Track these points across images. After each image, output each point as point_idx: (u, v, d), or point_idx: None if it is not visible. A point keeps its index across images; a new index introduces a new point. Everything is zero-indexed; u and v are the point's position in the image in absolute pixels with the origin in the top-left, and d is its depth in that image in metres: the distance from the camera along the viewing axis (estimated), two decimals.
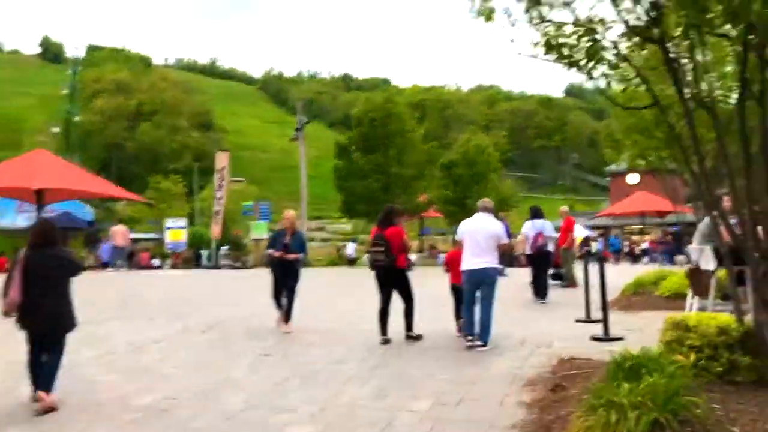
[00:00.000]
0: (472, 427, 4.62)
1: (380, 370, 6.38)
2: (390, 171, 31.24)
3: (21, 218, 27.22)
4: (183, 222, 33.79)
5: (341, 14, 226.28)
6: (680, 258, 28.95)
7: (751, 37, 4.15)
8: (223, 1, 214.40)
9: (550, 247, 12.31)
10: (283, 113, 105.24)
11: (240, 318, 9.93)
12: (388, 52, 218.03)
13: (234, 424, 4.84)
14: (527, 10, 5.00)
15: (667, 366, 4.18)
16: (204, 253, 32.38)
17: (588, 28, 4.83)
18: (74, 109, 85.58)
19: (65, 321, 5.49)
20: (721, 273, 7.93)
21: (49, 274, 5.41)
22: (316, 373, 6.27)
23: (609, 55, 4.83)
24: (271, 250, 9.01)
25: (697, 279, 7.53)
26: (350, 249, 33.74)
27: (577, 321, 8.84)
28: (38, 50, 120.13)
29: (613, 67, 4.85)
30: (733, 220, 5.04)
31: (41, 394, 5.16)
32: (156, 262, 30.62)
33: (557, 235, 13.67)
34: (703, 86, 4.96)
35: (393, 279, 7.87)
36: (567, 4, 4.94)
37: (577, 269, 14.27)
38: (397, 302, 7.92)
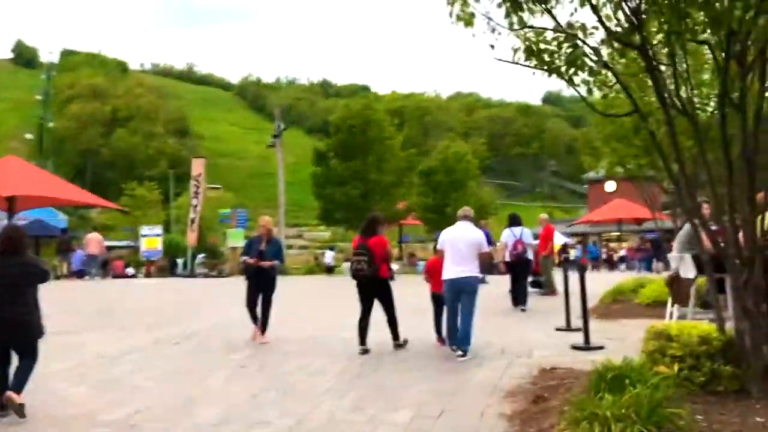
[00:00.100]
0: None
1: (359, 381, 6.25)
2: (369, 178, 31.16)
3: None
4: (158, 229, 33.39)
5: (320, 20, 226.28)
6: (657, 265, 29.25)
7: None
8: (200, 7, 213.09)
9: (529, 255, 12.29)
10: (261, 119, 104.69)
11: (215, 328, 9.75)
12: (367, 58, 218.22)
13: None
14: (507, 15, 4.93)
15: (650, 377, 4.12)
16: (180, 261, 32.02)
17: (569, 34, 4.77)
18: (48, 114, 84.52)
19: (33, 329, 5.37)
20: (701, 281, 7.95)
21: (18, 281, 5.30)
22: (294, 385, 6.12)
23: (590, 62, 4.78)
24: (245, 257, 8.75)
25: (677, 287, 7.51)
26: (328, 257, 33.55)
27: (557, 329, 8.80)
28: (11, 55, 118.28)
29: (594, 73, 4.79)
30: (712, 228, 5.02)
31: (11, 394, 5.02)
32: (130, 270, 30.18)
33: (536, 242, 13.67)
34: (683, 93, 4.93)
35: (375, 289, 7.79)
36: (548, 10, 4.88)
37: (557, 276, 14.29)
38: (376, 313, 7.82)
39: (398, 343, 7.80)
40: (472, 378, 6.18)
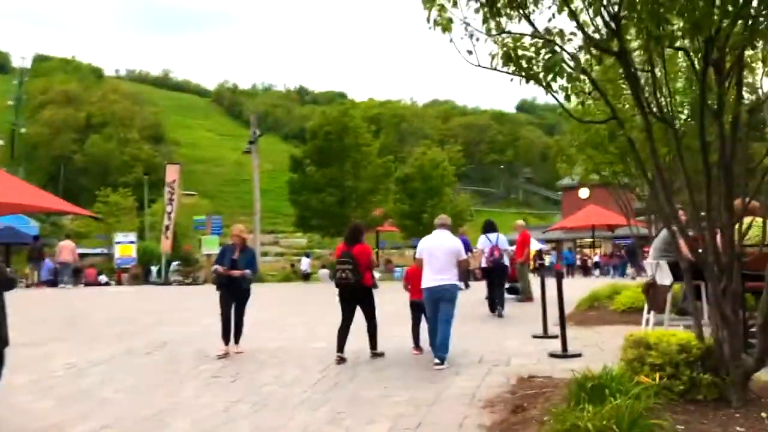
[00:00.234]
0: None
1: (335, 392, 6.13)
2: (345, 185, 31.03)
3: None
4: (133, 236, 32.91)
5: (297, 27, 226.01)
6: (631, 271, 29.52)
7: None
8: (177, 14, 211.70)
9: (506, 261, 12.26)
10: (237, 126, 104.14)
11: (189, 337, 9.55)
12: (344, 65, 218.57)
13: None
14: (485, 21, 4.87)
15: (631, 387, 4.07)
16: (154, 268, 31.57)
17: (547, 40, 4.72)
18: (20, 120, 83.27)
19: None
20: (676, 287, 7.97)
21: None
22: (267, 397, 5.98)
23: (568, 68, 4.73)
24: (217, 266, 8.43)
25: (654, 294, 7.50)
26: (304, 264, 33.31)
27: (534, 336, 8.75)
28: None
29: (573, 79, 4.74)
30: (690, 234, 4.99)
31: None
32: (103, 278, 29.65)
33: (512, 248, 13.66)
34: (661, 100, 4.90)
35: (358, 297, 7.73)
36: (526, 16, 4.83)
37: (533, 283, 14.29)
38: (356, 321, 7.72)
39: (375, 353, 7.72)
40: (449, 387, 6.09)
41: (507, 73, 5.04)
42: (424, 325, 7.86)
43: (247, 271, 8.27)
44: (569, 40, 4.70)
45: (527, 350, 7.81)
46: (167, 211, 30.75)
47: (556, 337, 7.85)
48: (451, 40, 4.99)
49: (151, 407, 5.71)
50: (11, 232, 25.31)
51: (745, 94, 4.91)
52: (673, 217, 5.04)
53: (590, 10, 4.42)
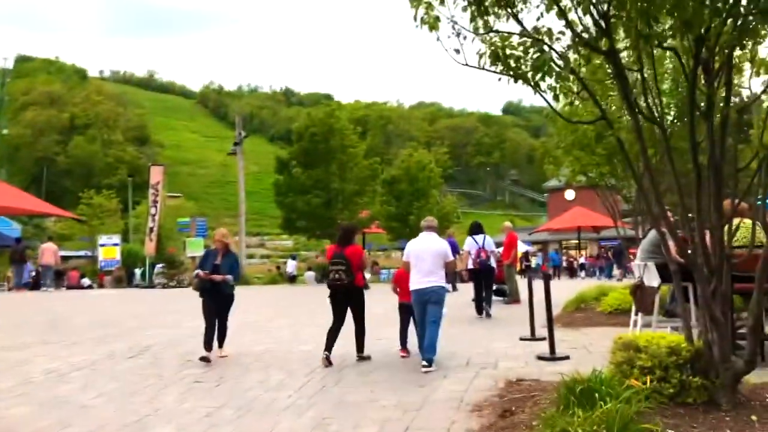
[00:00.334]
0: None
1: (320, 396, 6.03)
2: (331, 186, 30.94)
3: None
4: (117, 239, 32.63)
5: (283, 29, 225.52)
6: (618, 272, 29.66)
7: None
8: (162, 15, 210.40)
9: (492, 263, 12.23)
10: (223, 128, 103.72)
11: (172, 341, 9.41)
12: (330, 67, 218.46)
13: None
14: (473, 20, 4.81)
15: (621, 391, 4.01)
16: (138, 271, 31.30)
17: (535, 39, 4.66)
18: (2, 121, 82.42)
19: None
20: (664, 289, 7.94)
21: None
22: (252, 402, 5.87)
23: (556, 67, 4.67)
24: (198, 270, 8.18)
25: (641, 295, 7.47)
26: (290, 266, 33.17)
27: (522, 339, 8.70)
28: None
29: (562, 78, 4.69)
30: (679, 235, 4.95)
31: None
32: (86, 281, 29.35)
33: (499, 249, 13.64)
34: (650, 100, 4.86)
35: (351, 298, 7.66)
36: (514, 15, 4.77)
37: (520, 284, 14.27)
38: (344, 324, 7.64)
39: (362, 356, 7.63)
40: (437, 391, 6.01)
41: (495, 72, 4.98)
42: (412, 328, 7.79)
43: (229, 276, 8.03)
44: (558, 39, 4.64)
45: (515, 353, 7.76)
46: (151, 213, 30.55)
47: (543, 339, 7.80)
48: (438, 39, 4.93)
49: (133, 413, 5.58)
50: None
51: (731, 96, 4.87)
52: (662, 218, 4.99)
53: (579, 9, 4.37)
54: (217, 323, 7.99)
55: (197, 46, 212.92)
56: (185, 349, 8.63)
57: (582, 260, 43.04)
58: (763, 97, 5.09)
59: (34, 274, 24.64)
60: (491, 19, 4.81)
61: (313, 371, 7.06)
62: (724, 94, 4.66)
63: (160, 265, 30.17)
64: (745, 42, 4.36)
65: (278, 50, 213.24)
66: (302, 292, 22.00)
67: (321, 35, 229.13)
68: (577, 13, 4.53)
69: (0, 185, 23.41)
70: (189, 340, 9.15)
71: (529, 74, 4.81)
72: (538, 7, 4.76)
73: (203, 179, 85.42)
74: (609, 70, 5.35)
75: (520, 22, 4.77)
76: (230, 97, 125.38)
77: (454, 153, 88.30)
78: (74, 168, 74.19)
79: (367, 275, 9.00)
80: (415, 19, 4.97)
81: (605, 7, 4.22)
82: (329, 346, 7.44)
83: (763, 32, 4.32)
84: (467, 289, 13.79)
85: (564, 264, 41.72)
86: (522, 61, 4.81)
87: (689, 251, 4.73)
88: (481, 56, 4.96)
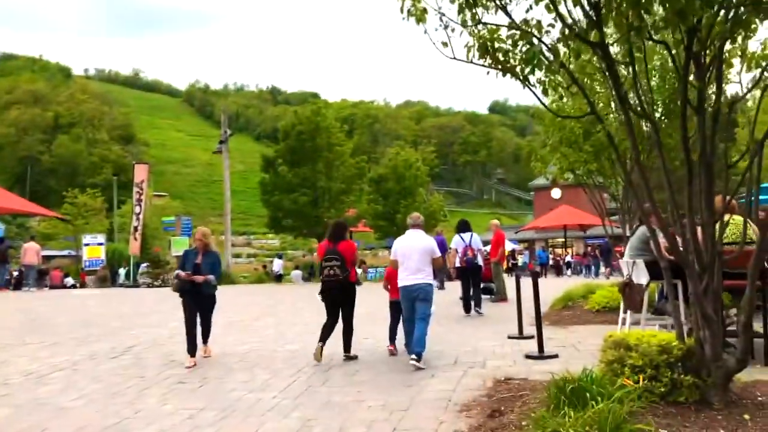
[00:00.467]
0: None
1: (306, 397, 5.91)
2: (318, 185, 30.79)
3: None
4: (101, 238, 32.30)
5: (269, 27, 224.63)
6: (605, 270, 29.72)
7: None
8: (148, 14, 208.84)
9: (479, 261, 12.16)
10: (209, 126, 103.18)
11: (155, 341, 9.25)
12: (317, 66, 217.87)
13: None
14: (460, 11, 4.71)
15: (613, 390, 3.93)
16: (122, 271, 30.98)
17: (524, 31, 4.57)
18: None
19: None
20: (652, 286, 7.89)
21: None
22: (235, 403, 5.74)
23: (546, 61, 4.58)
24: (178, 271, 7.93)
25: (630, 293, 7.41)
26: (277, 265, 32.96)
27: (510, 337, 8.62)
28: None
29: (551, 72, 4.60)
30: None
31: None
32: (70, 281, 29.01)
33: (486, 248, 13.57)
34: (641, 93, 4.78)
35: (344, 293, 7.59)
36: (502, 7, 4.67)
37: (508, 283, 14.21)
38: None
39: (349, 355, 7.53)
40: (424, 391, 5.91)
41: (483, 66, 4.88)
42: (400, 325, 7.71)
43: (211, 276, 7.77)
44: (547, 32, 4.55)
45: (503, 351, 7.68)
46: (135, 212, 30.25)
47: (531, 337, 7.73)
48: (425, 32, 4.83)
49: (114, 415, 5.43)
50: None
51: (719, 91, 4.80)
52: (653, 215, 4.92)
53: (569, 0, 4.27)
54: (200, 323, 7.82)
55: (183, 45, 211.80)
56: (169, 349, 8.49)
57: (568, 258, 43.17)
58: (753, 92, 5.04)
59: (16, 273, 24.29)
60: (479, 11, 4.71)
61: (299, 371, 6.95)
62: (714, 89, 4.60)
63: (145, 265, 29.87)
64: (736, 35, 4.30)
65: (265, 49, 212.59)
66: (289, 291, 21.84)
67: (308, 34, 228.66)
68: (566, 5, 4.44)
69: None
70: (173, 340, 9.01)
71: (518, 68, 4.72)
72: None
73: (189, 178, 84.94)
74: (598, 65, 5.27)
75: (509, 14, 4.67)
76: (216, 95, 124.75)
77: (441, 152, 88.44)
78: (59, 167, 73.57)
79: (358, 271, 8.90)
80: (402, 11, 4.88)
81: None
82: (324, 338, 7.38)
83: (753, 25, 4.25)
84: (455, 288, 13.71)
85: (550, 262, 41.80)
86: (511, 54, 4.72)
87: (680, 248, 4.66)
88: (469, 49, 4.86)
